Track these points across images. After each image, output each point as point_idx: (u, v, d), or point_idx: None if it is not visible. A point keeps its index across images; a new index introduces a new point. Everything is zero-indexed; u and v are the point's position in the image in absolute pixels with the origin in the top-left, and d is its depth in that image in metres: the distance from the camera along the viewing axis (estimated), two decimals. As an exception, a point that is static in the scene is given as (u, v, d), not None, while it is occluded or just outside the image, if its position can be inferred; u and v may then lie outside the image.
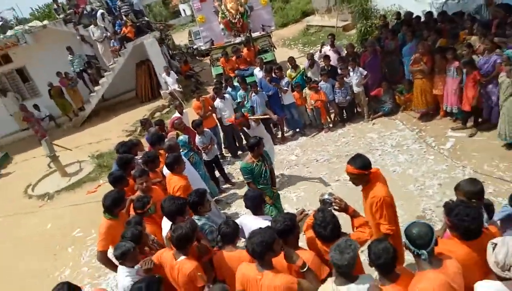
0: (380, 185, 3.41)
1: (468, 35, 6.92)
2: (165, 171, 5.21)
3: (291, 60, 8.74)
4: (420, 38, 7.44)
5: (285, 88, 8.02)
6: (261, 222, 3.30)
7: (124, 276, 3.31)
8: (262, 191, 3.73)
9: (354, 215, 3.19)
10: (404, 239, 2.43)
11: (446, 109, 7.05)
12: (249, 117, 6.22)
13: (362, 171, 3.34)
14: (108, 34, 13.40)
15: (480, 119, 6.66)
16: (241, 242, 3.93)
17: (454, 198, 3.02)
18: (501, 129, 5.83)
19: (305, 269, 2.75)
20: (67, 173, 9.80)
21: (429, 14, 8.57)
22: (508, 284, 2.17)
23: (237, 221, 3.83)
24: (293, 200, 6.34)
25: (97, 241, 4.27)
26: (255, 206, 3.61)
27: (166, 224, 3.99)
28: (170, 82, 13.07)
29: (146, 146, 6.58)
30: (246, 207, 3.67)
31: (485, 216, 2.93)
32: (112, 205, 4.20)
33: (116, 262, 3.62)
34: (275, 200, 5.12)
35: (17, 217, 8.48)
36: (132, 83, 14.56)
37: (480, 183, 3.01)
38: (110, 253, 4.04)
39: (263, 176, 4.86)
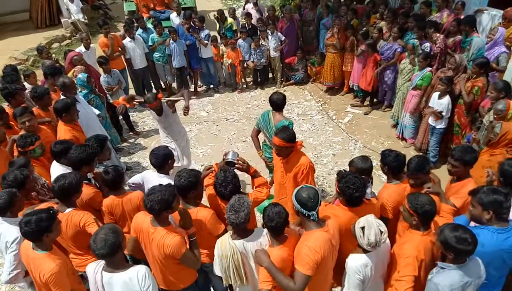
0: (303, 155, 3.63)
1: (378, 19, 7.43)
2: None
3: (220, 13, 8.44)
4: (337, 14, 7.74)
5: (206, 41, 7.75)
6: (165, 181, 3.26)
7: (8, 228, 2.98)
8: (170, 150, 3.59)
9: (254, 175, 3.34)
10: (295, 203, 2.63)
11: (351, 86, 7.62)
12: (162, 99, 4.78)
13: (289, 143, 3.48)
14: None
15: (375, 100, 7.39)
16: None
17: (346, 168, 3.36)
18: (395, 111, 6.56)
19: (192, 239, 2.85)
20: None
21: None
22: (370, 254, 2.58)
23: (140, 175, 3.76)
24: (199, 156, 6.37)
25: None
26: (160, 164, 3.52)
27: (56, 170, 3.69)
28: (73, 10, 11.59)
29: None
30: (151, 163, 3.57)
31: (370, 189, 3.35)
32: None
33: None
34: None
35: None
36: (26, 2, 12.44)
37: (370, 161, 3.37)
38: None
39: None
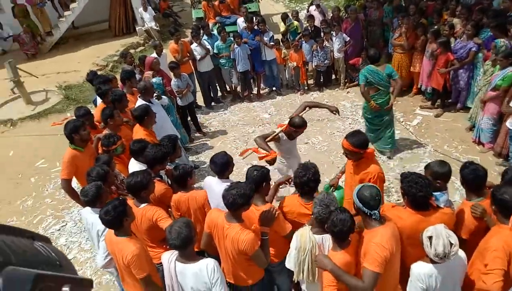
0: (374, 163, 3.51)
1: (450, 17, 7.01)
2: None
3: (285, 16, 8.56)
4: (404, 13, 7.43)
5: (271, 43, 7.89)
6: (224, 185, 3.23)
7: (97, 219, 3.19)
8: (229, 158, 3.67)
9: None
10: (356, 202, 2.60)
11: (420, 88, 7.26)
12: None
13: (357, 149, 3.38)
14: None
15: (448, 101, 6.95)
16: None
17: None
18: (473, 113, 6.10)
19: (265, 238, 2.91)
20: (32, 101, 9.37)
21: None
22: (438, 266, 2.45)
23: (204, 180, 3.93)
24: (262, 156, 6.48)
25: (61, 170, 4.29)
26: (220, 171, 3.58)
27: (133, 167, 4.02)
28: (146, 18, 12.42)
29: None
30: (212, 169, 3.65)
31: (446, 196, 3.15)
32: (71, 131, 4.17)
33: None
34: None
35: (-24, 141, 8.15)
36: (106, 13, 13.64)
37: (449, 167, 3.15)
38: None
39: None
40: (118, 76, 6.40)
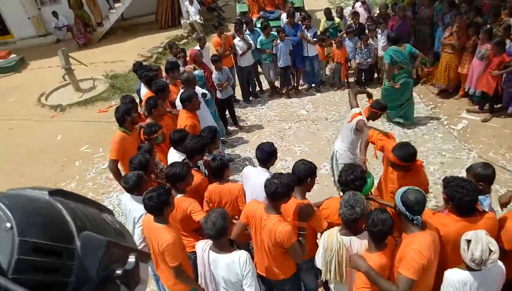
0: (422, 177, 3.40)
1: (507, 16, 6.58)
2: (177, 103, 5.30)
3: (328, 12, 8.41)
4: (457, 11, 7.07)
5: (315, 39, 7.82)
6: (265, 175, 3.33)
7: (136, 205, 3.42)
8: (275, 148, 3.71)
9: None
10: (399, 205, 2.53)
11: (467, 91, 6.91)
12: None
13: (405, 163, 3.30)
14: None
15: (498, 106, 6.57)
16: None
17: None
18: None
19: (303, 232, 2.90)
20: (80, 88, 9.89)
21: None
22: (475, 273, 2.34)
23: (243, 170, 3.98)
24: (297, 153, 6.48)
25: (109, 151, 4.51)
26: (265, 159, 3.61)
27: (172, 156, 4.15)
28: (192, 12, 12.67)
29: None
30: (257, 157, 3.68)
31: (489, 200, 3.01)
32: (124, 113, 4.39)
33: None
34: None
35: (29, 124, 8.74)
36: (153, 6, 14.08)
37: (492, 168, 3.02)
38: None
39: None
40: (162, 68, 6.61)
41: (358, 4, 8.88)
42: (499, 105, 6.56)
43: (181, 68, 6.47)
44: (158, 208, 2.94)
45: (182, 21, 13.39)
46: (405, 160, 3.25)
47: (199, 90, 5.92)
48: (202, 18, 12.89)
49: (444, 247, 2.63)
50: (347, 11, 9.43)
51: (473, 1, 7.28)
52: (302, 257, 2.93)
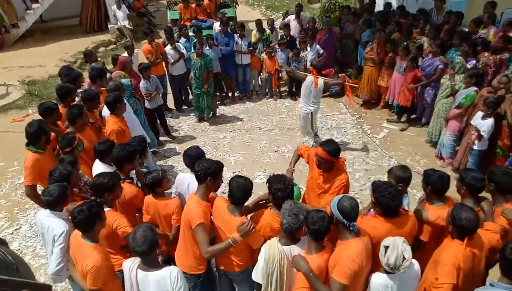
0: (344, 172, 3.56)
1: (419, 35, 7.29)
2: (104, 112, 4.99)
3: (259, 23, 8.56)
4: (376, 29, 7.64)
5: (250, 48, 7.94)
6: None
7: (56, 222, 3.11)
8: (202, 150, 3.68)
9: None
10: (336, 213, 2.61)
11: (387, 101, 7.49)
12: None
13: (332, 157, 3.42)
14: None
15: (413, 116, 7.21)
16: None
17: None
18: (430, 128, 6.40)
19: (231, 244, 2.88)
20: (-10, 95, 8.89)
21: (387, 5, 8.82)
22: (393, 276, 2.52)
23: (176, 178, 3.87)
24: (231, 163, 6.45)
25: (23, 175, 4.06)
26: (194, 164, 3.49)
27: (98, 169, 3.87)
28: (120, 17, 12.15)
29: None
30: (185, 163, 3.65)
31: (407, 200, 3.31)
32: (37, 134, 3.92)
33: None
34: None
35: None
36: (78, 8, 13.20)
37: (410, 171, 3.29)
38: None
39: (197, 71, 6.92)
40: (84, 74, 6.19)
41: (292, 17, 9.18)
42: (414, 116, 7.21)
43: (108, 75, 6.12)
44: (89, 222, 2.71)
45: (109, 26, 12.75)
46: (333, 154, 3.41)
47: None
48: (131, 24, 12.42)
49: (375, 249, 2.77)
50: (277, 23, 9.70)
51: (387, 20, 7.91)
52: (204, 251, 2.89)
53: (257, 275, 2.84)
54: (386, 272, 2.53)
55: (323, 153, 3.41)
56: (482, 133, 5.04)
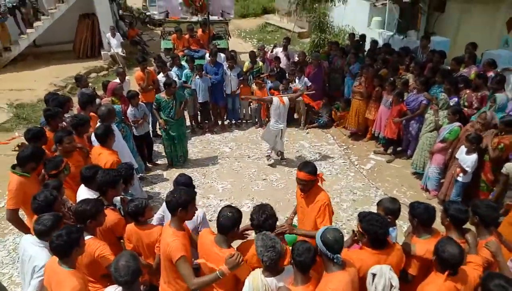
0: (322, 191, 3.66)
1: (405, 71, 7.57)
2: (94, 138, 4.96)
3: (252, 54, 8.81)
4: (363, 63, 7.93)
5: (240, 78, 8.15)
6: None
7: (39, 252, 3.02)
8: (189, 178, 3.71)
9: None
10: (320, 245, 2.59)
11: (374, 134, 7.65)
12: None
13: (313, 176, 3.53)
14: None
15: (399, 149, 7.36)
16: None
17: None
18: (415, 159, 6.53)
19: (219, 276, 2.81)
20: (-24, 116, 8.78)
21: (374, 43, 9.19)
22: None
23: (162, 207, 3.80)
24: (219, 190, 6.43)
25: (6, 199, 3.97)
26: None
27: (83, 194, 3.82)
28: (114, 44, 12.34)
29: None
30: None
31: (396, 233, 3.32)
32: (29, 158, 3.88)
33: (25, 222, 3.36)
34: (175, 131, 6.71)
35: None
36: (72, 34, 13.38)
37: (399, 203, 3.34)
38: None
39: (169, 110, 6.56)
40: (73, 98, 6.19)
41: (279, 49, 9.46)
42: (400, 148, 7.36)
43: (97, 100, 6.14)
44: (66, 248, 2.64)
45: (102, 52, 12.91)
46: (313, 173, 3.52)
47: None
48: (124, 51, 12.59)
49: (363, 281, 2.75)
50: (267, 55, 9.94)
51: (374, 57, 8.21)
52: (192, 281, 2.83)
53: None
54: None
55: (305, 175, 3.51)
56: (467, 168, 5.16)
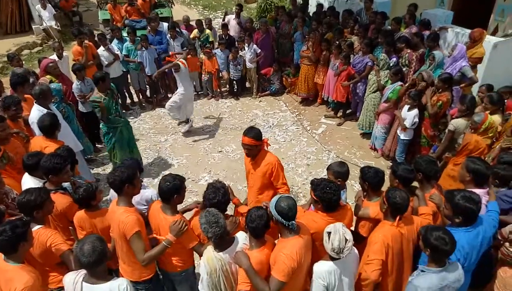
0: (269, 153, 3.75)
1: (350, 34, 7.69)
2: (32, 120, 4.62)
3: (199, 23, 8.45)
4: (310, 27, 7.94)
5: (184, 48, 7.83)
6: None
7: None
8: (134, 170, 3.55)
9: (238, 204, 3.45)
10: (275, 214, 2.67)
11: (323, 98, 7.82)
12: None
13: (258, 141, 3.59)
14: None
15: (348, 111, 7.61)
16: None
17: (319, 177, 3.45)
18: (361, 120, 6.82)
19: (166, 245, 2.92)
20: None
21: (320, 6, 9.19)
22: (337, 262, 2.67)
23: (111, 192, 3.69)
24: (175, 166, 6.34)
25: None
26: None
27: (27, 183, 3.60)
28: (45, 17, 11.33)
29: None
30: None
31: (345, 195, 3.50)
32: None
33: None
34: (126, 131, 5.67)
35: None
36: (-4, 8, 12.08)
37: (347, 166, 3.51)
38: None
39: (113, 108, 5.37)
40: (3, 79, 5.68)
41: (232, 17, 9.18)
42: (349, 111, 7.61)
43: (31, 80, 5.67)
44: (11, 243, 2.51)
45: (34, 27, 11.82)
46: (258, 138, 3.61)
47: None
48: (58, 24, 11.62)
49: (316, 243, 2.89)
50: (215, 23, 9.66)
51: (320, 20, 8.22)
52: (141, 259, 2.89)
53: (204, 288, 2.85)
54: (331, 259, 2.65)
55: (250, 140, 3.59)
56: (406, 123, 5.48)
